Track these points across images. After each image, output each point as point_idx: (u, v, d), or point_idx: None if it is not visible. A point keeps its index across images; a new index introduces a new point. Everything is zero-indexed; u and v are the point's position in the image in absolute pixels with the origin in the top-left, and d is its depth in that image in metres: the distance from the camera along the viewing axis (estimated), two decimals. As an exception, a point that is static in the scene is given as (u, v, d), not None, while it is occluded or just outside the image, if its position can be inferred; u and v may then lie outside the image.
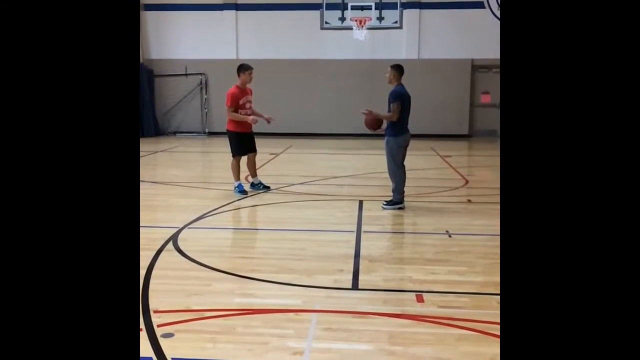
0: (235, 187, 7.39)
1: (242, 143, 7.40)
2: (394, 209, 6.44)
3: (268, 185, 7.75)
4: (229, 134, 7.42)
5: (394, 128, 6.37)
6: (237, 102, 7.19)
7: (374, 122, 6.56)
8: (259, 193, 7.45)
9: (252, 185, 7.66)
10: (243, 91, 7.27)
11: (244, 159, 7.54)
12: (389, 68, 6.48)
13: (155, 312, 3.42)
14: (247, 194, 7.32)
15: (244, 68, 7.27)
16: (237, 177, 7.44)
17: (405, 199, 6.57)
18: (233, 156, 7.42)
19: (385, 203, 6.55)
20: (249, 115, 7.26)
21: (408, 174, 6.65)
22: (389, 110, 6.33)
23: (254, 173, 7.71)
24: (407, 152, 6.69)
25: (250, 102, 7.35)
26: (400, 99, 6.26)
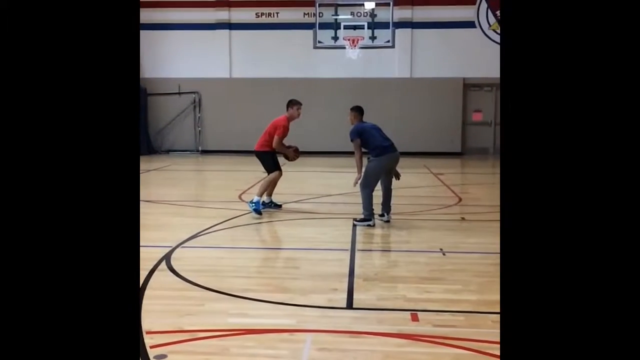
0: (252, 203, 7.22)
1: (276, 160, 7.52)
2: (362, 225, 6.45)
3: (280, 203, 7.74)
4: (264, 155, 7.43)
5: (372, 154, 6.51)
6: (286, 134, 7.36)
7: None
8: (251, 212, 7.42)
9: (264, 204, 7.56)
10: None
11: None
12: (349, 110, 6.74)
13: (147, 332, 3.37)
14: (261, 215, 7.21)
15: (294, 103, 7.44)
16: (263, 194, 7.36)
17: (398, 216, 6.56)
18: (271, 171, 7.40)
19: (356, 219, 6.58)
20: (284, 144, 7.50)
21: (401, 192, 6.66)
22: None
23: (271, 192, 7.65)
24: (400, 170, 6.71)
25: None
26: (357, 136, 6.50)
